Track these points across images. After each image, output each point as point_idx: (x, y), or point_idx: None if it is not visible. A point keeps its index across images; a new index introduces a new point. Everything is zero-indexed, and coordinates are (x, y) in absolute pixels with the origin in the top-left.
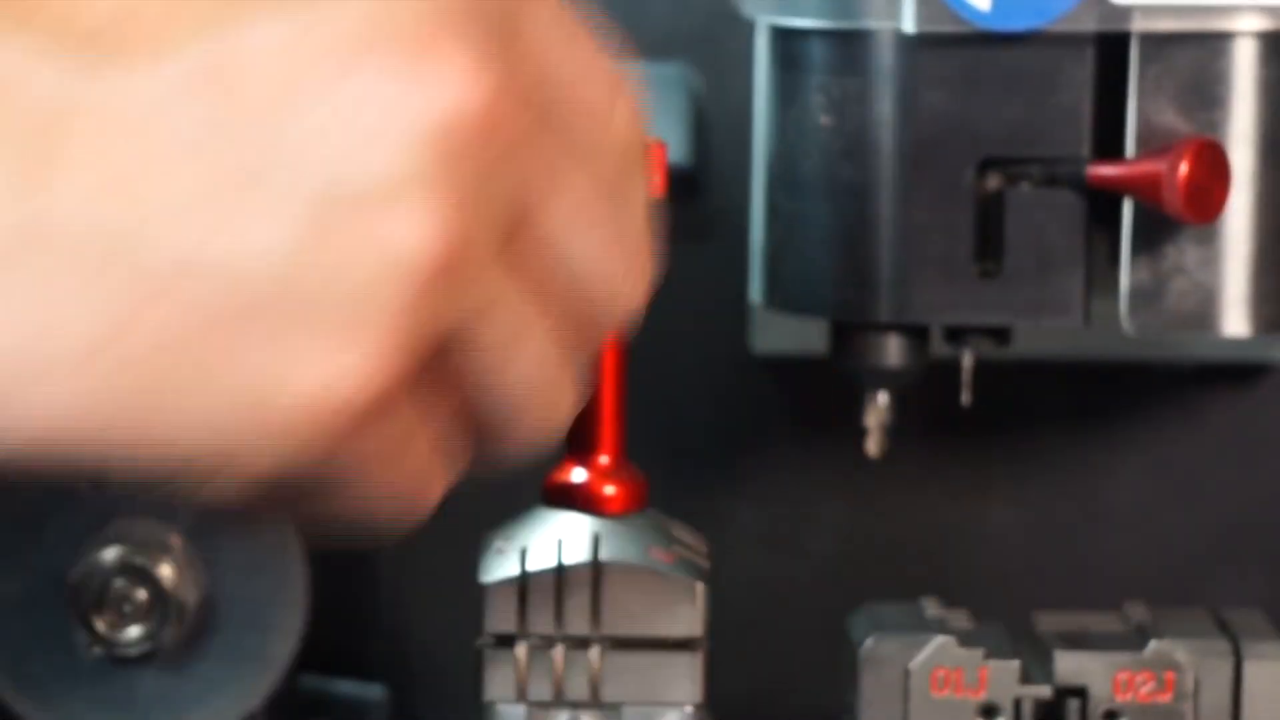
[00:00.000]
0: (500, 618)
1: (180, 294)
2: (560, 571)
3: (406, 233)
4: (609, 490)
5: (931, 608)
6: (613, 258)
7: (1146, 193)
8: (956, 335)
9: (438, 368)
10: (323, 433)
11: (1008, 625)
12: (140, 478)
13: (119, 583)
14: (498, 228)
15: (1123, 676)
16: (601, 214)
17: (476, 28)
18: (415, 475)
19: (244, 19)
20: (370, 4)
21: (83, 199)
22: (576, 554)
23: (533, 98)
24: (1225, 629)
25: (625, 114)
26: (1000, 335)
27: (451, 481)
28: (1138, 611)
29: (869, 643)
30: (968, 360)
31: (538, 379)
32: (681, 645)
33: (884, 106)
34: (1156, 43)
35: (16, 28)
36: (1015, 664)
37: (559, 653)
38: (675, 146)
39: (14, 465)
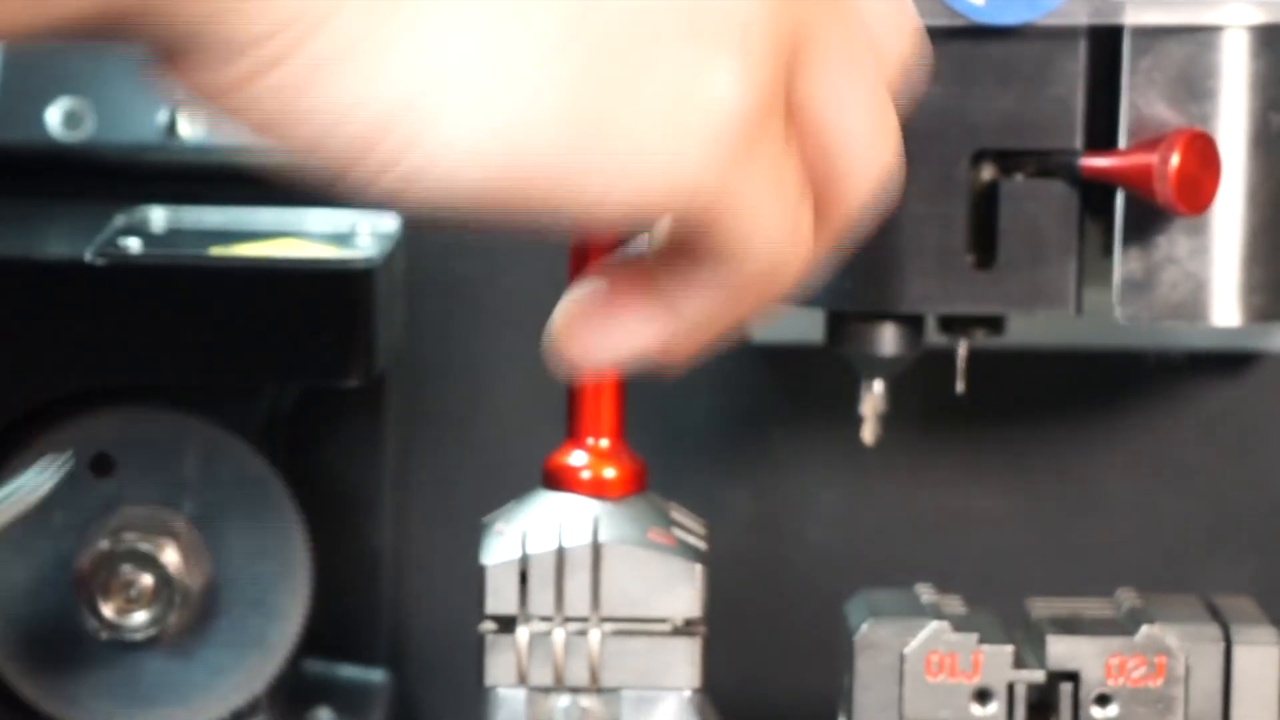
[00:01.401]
0: (501, 599)
1: (599, 13)
2: (560, 553)
3: None
4: (609, 473)
5: (926, 593)
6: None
7: (1138, 184)
8: (951, 324)
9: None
10: (725, 137)
11: (1001, 611)
12: (563, 220)
13: (125, 568)
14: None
15: (1115, 661)
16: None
17: None
18: (788, 216)
19: None
20: None
21: None
22: (576, 536)
23: None
24: (1216, 615)
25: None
26: (994, 324)
27: (812, 260)
28: (1129, 597)
29: (865, 628)
30: (962, 349)
31: (867, 112)
32: (680, 630)
33: None
34: (1148, 36)
35: None
36: (1009, 649)
37: (559, 638)
38: None
39: (452, 218)
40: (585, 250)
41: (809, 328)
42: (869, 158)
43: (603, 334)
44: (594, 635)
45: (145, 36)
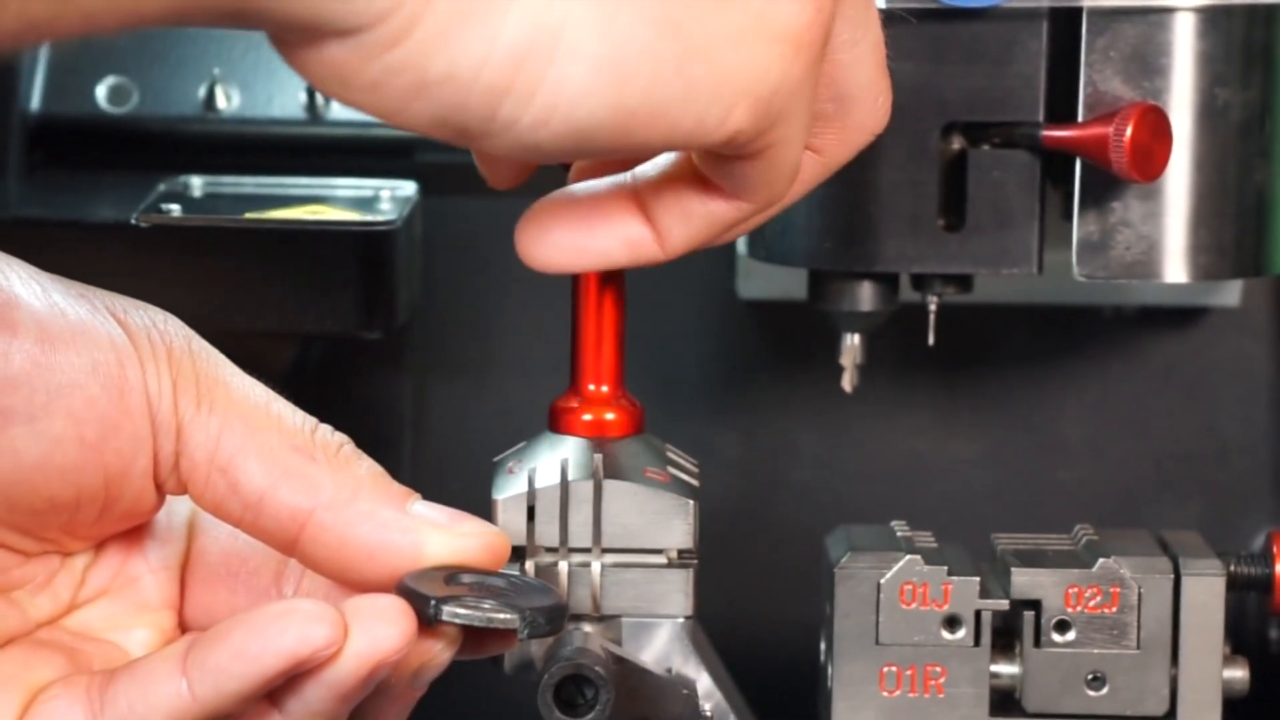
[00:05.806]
0: (510, 531)
1: None
2: (565, 489)
3: None
4: (610, 416)
5: (900, 529)
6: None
7: (1095, 154)
8: (922, 282)
9: None
10: (798, 53)
11: (969, 545)
12: (665, 145)
13: None
14: None
15: (1073, 590)
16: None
17: None
18: (800, 156)
19: None
20: None
21: None
22: (580, 473)
23: None
24: (1166, 548)
25: None
26: (962, 282)
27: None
28: (1087, 532)
29: (844, 560)
30: (933, 305)
31: (875, 63)
32: (675, 561)
33: None
34: (1104, 17)
35: None
36: (976, 580)
37: (563, 568)
38: None
39: (549, 154)
40: None
41: (793, 285)
42: (875, 103)
43: (574, 234)
44: (595, 566)
45: (262, 24)
